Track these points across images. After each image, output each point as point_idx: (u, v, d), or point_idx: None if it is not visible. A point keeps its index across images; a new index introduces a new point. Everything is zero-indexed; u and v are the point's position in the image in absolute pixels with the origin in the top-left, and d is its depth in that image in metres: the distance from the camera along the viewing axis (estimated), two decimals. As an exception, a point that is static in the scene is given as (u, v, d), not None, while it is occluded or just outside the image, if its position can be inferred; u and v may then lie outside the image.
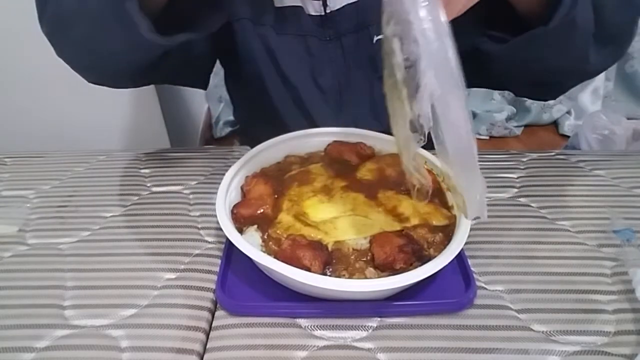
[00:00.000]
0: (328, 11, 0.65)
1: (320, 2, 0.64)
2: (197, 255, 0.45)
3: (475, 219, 0.36)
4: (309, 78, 0.69)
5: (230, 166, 0.48)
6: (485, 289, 0.41)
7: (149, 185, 0.55)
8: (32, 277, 0.43)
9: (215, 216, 0.41)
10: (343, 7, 0.65)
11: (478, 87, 0.69)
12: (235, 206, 0.44)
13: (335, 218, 0.42)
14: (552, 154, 0.59)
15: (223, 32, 0.66)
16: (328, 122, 0.62)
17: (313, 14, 0.65)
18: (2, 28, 1.13)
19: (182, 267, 0.44)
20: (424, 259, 0.38)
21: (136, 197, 0.53)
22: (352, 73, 0.68)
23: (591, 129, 1.33)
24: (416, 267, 0.37)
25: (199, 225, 0.49)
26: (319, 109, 0.70)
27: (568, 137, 1.74)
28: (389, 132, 0.59)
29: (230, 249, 0.43)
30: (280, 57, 0.68)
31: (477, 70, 0.66)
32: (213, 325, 0.39)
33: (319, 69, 0.68)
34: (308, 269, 0.36)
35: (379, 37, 0.66)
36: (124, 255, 0.46)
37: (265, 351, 0.36)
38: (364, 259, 0.39)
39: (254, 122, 0.74)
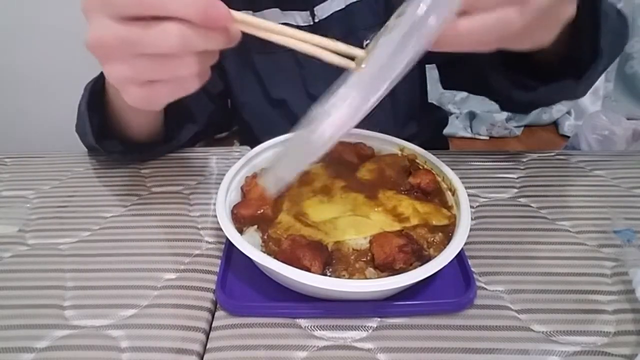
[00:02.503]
0: (316, 20, 0.65)
1: (308, 13, 0.65)
2: (197, 255, 0.45)
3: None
4: (301, 91, 0.69)
5: (230, 166, 0.48)
6: (485, 289, 0.41)
7: (149, 185, 0.55)
8: (32, 277, 0.43)
9: (215, 216, 0.41)
10: (331, 14, 0.65)
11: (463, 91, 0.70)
12: (235, 206, 0.44)
13: (335, 218, 0.42)
14: (552, 154, 0.59)
15: (216, 82, 0.69)
16: None
17: (302, 24, 0.65)
18: (2, 28, 1.13)
19: (182, 267, 0.44)
20: (424, 259, 0.38)
21: (136, 197, 0.53)
22: None
23: (591, 129, 1.33)
24: (416, 267, 0.37)
25: (199, 226, 0.49)
26: None
27: (568, 137, 1.74)
28: (384, 131, 0.59)
29: (230, 249, 0.43)
30: (269, 79, 0.69)
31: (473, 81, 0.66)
32: (213, 325, 0.39)
33: (310, 80, 0.68)
34: (308, 269, 0.36)
35: (368, 41, 0.67)
36: (124, 256, 0.46)
37: (265, 351, 0.36)
38: (364, 259, 0.39)
39: (249, 133, 0.76)
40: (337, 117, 0.31)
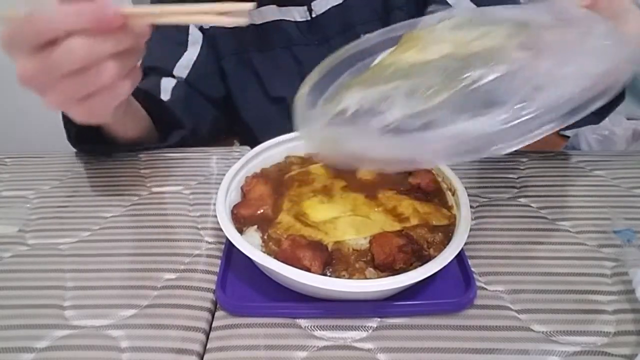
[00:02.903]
0: (314, 15, 0.65)
1: (306, 8, 0.65)
2: (197, 255, 0.45)
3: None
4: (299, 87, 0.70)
5: (230, 166, 0.48)
6: (486, 289, 0.41)
7: (149, 185, 0.55)
8: (32, 277, 0.43)
9: (216, 216, 0.41)
10: (328, 9, 0.65)
11: None
12: (235, 206, 0.44)
13: (335, 218, 0.42)
14: (552, 154, 0.59)
15: (217, 85, 0.69)
16: None
17: (299, 20, 0.65)
18: (2, 28, 1.13)
19: (182, 267, 0.44)
20: (424, 259, 0.38)
21: (136, 198, 0.53)
22: None
23: (591, 129, 1.33)
24: (416, 267, 0.37)
25: (199, 226, 0.49)
26: None
27: (568, 137, 1.74)
28: None
29: (230, 249, 0.43)
30: (268, 78, 0.69)
31: None
32: (213, 325, 0.39)
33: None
34: (308, 270, 0.36)
35: (366, 34, 0.69)
36: (124, 256, 0.46)
37: (265, 351, 0.36)
38: (364, 259, 0.39)
39: (249, 133, 0.75)
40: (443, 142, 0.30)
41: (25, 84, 0.36)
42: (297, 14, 0.65)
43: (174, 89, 0.64)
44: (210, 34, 0.67)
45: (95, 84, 0.36)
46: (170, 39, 0.66)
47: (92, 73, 0.35)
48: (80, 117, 0.39)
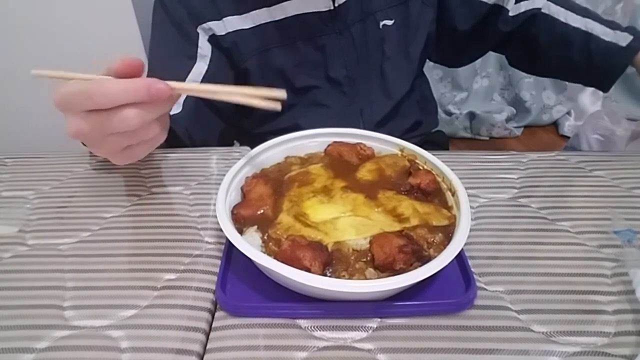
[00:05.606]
0: (337, 4, 0.67)
1: None
2: (197, 256, 0.45)
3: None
4: (322, 75, 0.71)
5: (230, 167, 0.48)
6: (486, 289, 0.41)
7: (149, 185, 0.55)
8: (32, 277, 0.43)
9: (215, 217, 0.41)
10: None
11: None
12: (235, 207, 0.44)
13: (335, 218, 0.42)
14: (552, 154, 0.60)
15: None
16: (343, 110, 0.70)
17: (323, 10, 0.67)
18: (3, 28, 1.13)
19: (182, 267, 0.44)
20: (424, 259, 0.38)
21: (136, 198, 0.53)
22: (363, 59, 0.72)
23: (591, 130, 1.33)
24: (416, 268, 0.37)
25: (199, 226, 0.49)
26: (333, 101, 0.73)
27: (568, 137, 1.74)
28: (394, 115, 0.63)
29: (230, 249, 0.43)
30: (291, 71, 0.70)
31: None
32: (213, 326, 0.39)
33: (330, 63, 0.70)
34: (308, 270, 0.36)
35: (384, 22, 0.71)
36: (124, 256, 0.46)
37: (265, 352, 0.36)
38: (364, 260, 0.39)
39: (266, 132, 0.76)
40: None
41: (76, 138, 0.40)
42: (321, 4, 0.66)
43: (185, 102, 0.65)
44: (231, 40, 0.66)
45: (139, 140, 0.41)
46: (180, 52, 0.66)
47: (139, 133, 0.40)
48: (122, 162, 0.44)
